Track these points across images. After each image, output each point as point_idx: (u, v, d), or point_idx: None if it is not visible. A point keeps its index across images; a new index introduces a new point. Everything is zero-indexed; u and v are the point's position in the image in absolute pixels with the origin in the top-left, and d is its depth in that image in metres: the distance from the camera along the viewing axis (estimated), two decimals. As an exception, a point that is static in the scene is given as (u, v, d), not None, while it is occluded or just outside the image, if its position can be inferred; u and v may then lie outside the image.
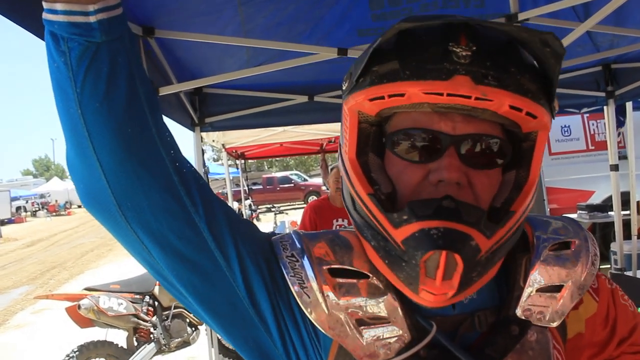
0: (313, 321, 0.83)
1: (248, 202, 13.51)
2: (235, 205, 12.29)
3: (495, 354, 0.82)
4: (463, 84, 0.72)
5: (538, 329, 0.85)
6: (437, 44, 0.75)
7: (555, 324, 0.87)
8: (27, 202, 43.75)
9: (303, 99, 4.36)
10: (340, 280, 0.84)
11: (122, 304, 4.93)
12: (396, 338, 0.81)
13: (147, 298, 5.21)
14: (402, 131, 0.81)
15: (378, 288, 0.83)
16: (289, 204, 25.95)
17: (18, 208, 40.58)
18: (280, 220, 11.76)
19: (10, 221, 34.81)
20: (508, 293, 0.89)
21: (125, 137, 0.77)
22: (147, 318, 5.12)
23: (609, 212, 6.97)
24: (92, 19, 0.74)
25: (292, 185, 27.66)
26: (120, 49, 0.78)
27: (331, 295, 0.83)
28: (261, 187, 27.43)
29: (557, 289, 0.88)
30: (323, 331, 0.83)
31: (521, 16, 2.71)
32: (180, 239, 0.81)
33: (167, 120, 3.58)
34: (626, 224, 5.31)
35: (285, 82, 4.22)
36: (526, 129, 0.81)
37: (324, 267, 0.85)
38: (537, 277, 0.88)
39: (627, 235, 5.44)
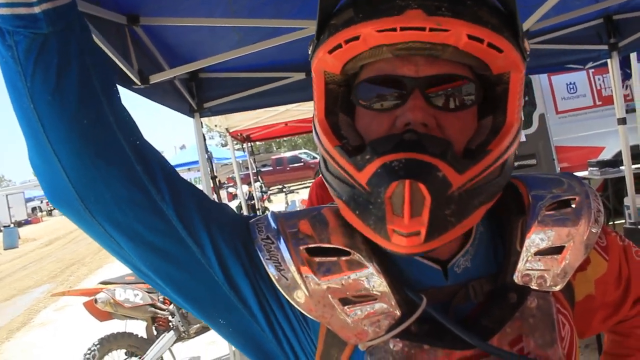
0: (294, 304, 0.80)
1: (258, 184, 13.50)
2: (245, 189, 12.30)
3: (492, 324, 0.78)
4: (415, 17, 0.69)
5: (539, 294, 0.82)
6: None
7: (558, 288, 0.83)
8: (41, 202, 44.24)
9: (300, 75, 4.30)
10: (319, 259, 0.80)
11: (138, 294, 4.95)
12: (385, 314, 0.78)
13: (162, 287, 5.23)
14: (365, 80, 0.78)
15: (360, 264, 0.79)
16: (299, 182, 25.91)
17: (34, 209, 41.12)
18: (291, 199, 11.76)
19: (27, 222, 35.29)
20: (504, 259, 0.84)
21: (81, 128, 0.74)
22: (164, 307, 5.15)
23: (620, 167, 6.88)
24: (36, 9, 0.71)
25: (302, 164, 27.67)
26: (70, 38, 0.74)
27: (311, 276, 0.79)
28: (271, 168, 27.47)
29: (558, 250, 0.84)
30: (307, 314, 0.80)
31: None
32: (149, 229, 0.78)
33: (165, 109, 3.58)
34: (638, 178, 5.24)
35: (281, 61, 4.15)
36: (496, 69, 0.76)
37: (301, 247, 0.81)
38: (535, 239, 0.83)
39: (640, 189, 5.38)
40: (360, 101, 0.79)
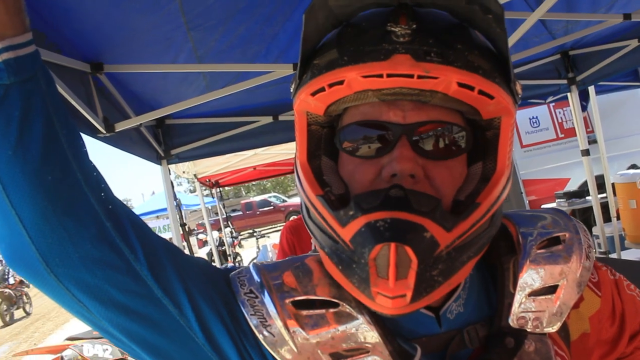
0: None
1: (228, 229, 13.36)
2: (215, 235, 12.15)
3: None
4: (403, 62, 0.65)
5: (536, 337, 0.78)
6: (376, 28, 0.69)
7: (555, 329, 0.80)
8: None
9: (268, 119, 4.31)
10: (306, 312, 0.75)
11: (107, 349, 4.79)
12: None
13: (132, 341, 5.07)
14: (350, 126, 0.75)
15: (350, 315, 0.75)
16: (270, 226, 25.75)
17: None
18: (262, 244, 11.65)
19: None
20: (498, 302, 0.81)
21: (46, 185, 0.68)
22: (134, 361, 4.97)
23: (587, 197, 7.00)
24: None
25: (272, 207, 27.50)
26: (34, 90, 0.69)
27: (298, 330, 0.74)
28: (241, 213, 27.27)
29: (552, 289, 0.81)
30: None
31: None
32: (122, 290, 0.71)
33: (132, 156, 3.52)
34: (605, 207, 5.34)
35: (249, 105, 4.16)
36: (486, 114, 0.73)
37: (287, 300, 0.76)
38: (528, 279, 0.80)
39: (608, 218, 5.47)
40: (344, 147, 0.76)
